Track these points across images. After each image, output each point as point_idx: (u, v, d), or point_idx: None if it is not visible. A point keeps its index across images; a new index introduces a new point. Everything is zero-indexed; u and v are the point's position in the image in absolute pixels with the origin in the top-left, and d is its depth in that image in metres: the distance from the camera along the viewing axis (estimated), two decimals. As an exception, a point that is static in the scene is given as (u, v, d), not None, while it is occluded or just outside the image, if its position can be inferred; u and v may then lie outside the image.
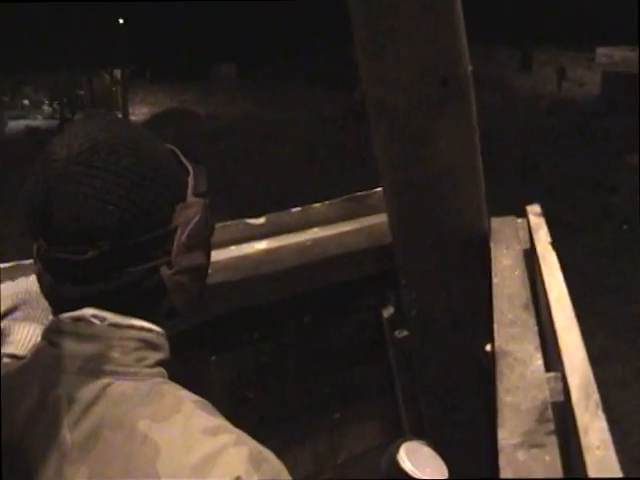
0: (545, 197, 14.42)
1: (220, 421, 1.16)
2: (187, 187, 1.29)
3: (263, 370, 2.37)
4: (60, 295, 1.21)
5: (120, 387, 1.16)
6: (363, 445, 2.59)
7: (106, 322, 1.18)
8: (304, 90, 28.98)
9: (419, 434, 2.55)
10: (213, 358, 2.23)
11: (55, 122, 28.02)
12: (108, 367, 1.17)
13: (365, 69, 2.09)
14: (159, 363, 1.22)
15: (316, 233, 2.31)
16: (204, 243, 1.33)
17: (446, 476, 1.47)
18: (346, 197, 2.43)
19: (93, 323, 1.18)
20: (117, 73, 32.32)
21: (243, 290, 2.16)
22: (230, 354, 2.28)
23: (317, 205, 2.38)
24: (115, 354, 1.18)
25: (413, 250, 2.27)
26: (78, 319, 1.19)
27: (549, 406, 1.37)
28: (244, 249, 2.18)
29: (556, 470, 1.19)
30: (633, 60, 33.28)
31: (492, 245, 2.14)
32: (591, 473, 1.16)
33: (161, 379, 1.21)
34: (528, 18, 40.10)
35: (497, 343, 1.62)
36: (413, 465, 1.41)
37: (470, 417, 2.34)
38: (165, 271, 1.23)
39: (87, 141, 1.19)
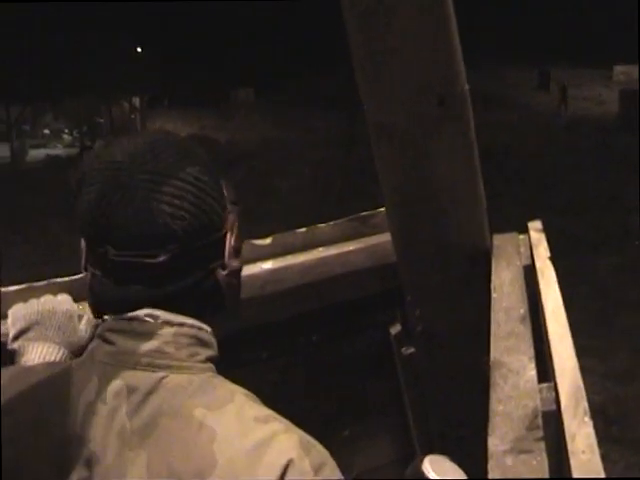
0: (564, 215, 14.47)
1: (269, 411, 1.24)
2: (225, 195, 1.37)
3: (271, 389, 2.40)
4: (124, 298, 1.27)
5: (175, 379, 1.23)
6: (373, 462, 2.61)
7: (159, 320, 1.26)
8: (321, 113, 29.06)
9: (428, 450, 2.59)
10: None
11: (75, 150, 28.22)
12: (164, 362, 1.24)
13: (364, 89, 2.13)
14: (209, 359, 1.30)
15: (321, 253, 2.34)
16: (241, 247, 1.42)
17: None
18: (351, 217, 2.47)
19: (147, 321, 1.26)
20: (136, 101, 32.61)
21: (250, 309, 2.20)
22: (238, 373, 2.32)
23: (322, 225, 2.42)
24: (170, 349, 1.25)
25: (416, 267, 2.31)
26: (132, 319, 1.26)
27: (540, 414, 1.41)
28: (250, 269, 2.22)
29: (543, 473, 1.22)
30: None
31: (493, 261, 2.18)
32: (575, 475, 1.20)
33: (212, 373, 1.28)
34: (545, 37, 40.11)
35: (492, 355, 1.66)
36: (438, 475, 1.45)
37: (475, 432, 2.36)
38: (220, 273, 1.32)
39: (148, 149, 1.27)
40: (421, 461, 1.48)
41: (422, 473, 1.45)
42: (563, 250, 12.51)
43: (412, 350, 2.51)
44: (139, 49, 38.28)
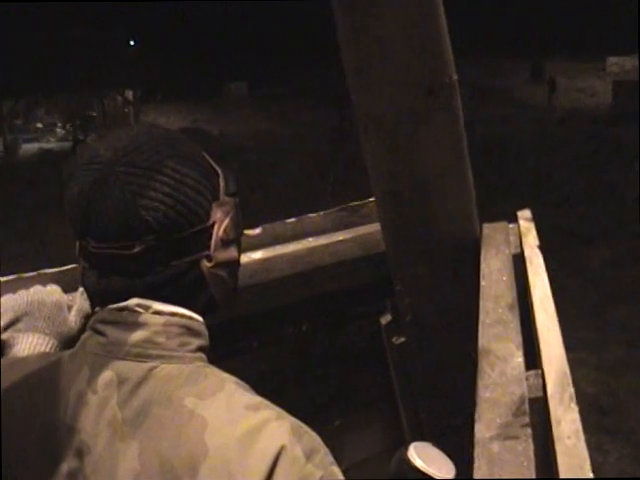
0: (559, 207, 14.47)
1: (260, 399, 1.24)
2: (219, 187, 1.37)
3: (261, 378, 2.41)
4: (107, 289, 1.28)
5: (166, 369, 1.23)
6: (364, 452, 2.62)
7: (150, 310, 1.27)
8: (315, 107, 29.04)
9: (420, 439, 2.59)
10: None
11: (68, 144, 28.18)
12: (154, 351, 1.25)
13: (352, 81, 2.14)
14: (200, 348, 1.31)
15: (311, 242, 2.35)
16: (237, 239, 1.42)
17: (454, 473, 1.51)
18: (340, 207, 2.47)
19: (138, 312, 1.26)
20: (129, 94, 32.56)
21: (239, 299, 2.20)
22: (228, 362, 2.32)
23: (312, 215, 2.43)
24: (161, 339, 1.26)
25: (406, 256, 2.31)
26: (122, 309, 1.27)
27: (526, 401, 1.41)
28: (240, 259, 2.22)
29: (528, 459, 1.23)
30: (640, 68, 33.29)
31: (482, 250, 2.19)
32: (560, 461, 1.21)
33: (202, 363, 1.29)
34: (538, 29, 40.13)
35: (480, 342, 1.67)
36: (424, 462, 1.45)
37: (466, 421, 2.37)
38: (205, 264, 1.32)
39: (130, 143, 1.28)
40: (407, 448, 1.49)
41: (408, 460, 1.45)
42: (557, 243, 12.57)
43: (402, 340, 2.52)
44: (132, 42, 38.18)
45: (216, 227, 1.33)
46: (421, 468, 1.45)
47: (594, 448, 7.32)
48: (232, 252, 1.39)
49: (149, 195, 1.22)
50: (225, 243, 1.35)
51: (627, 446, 7.23)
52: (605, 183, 16.92)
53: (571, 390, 1.42)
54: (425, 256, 2.26)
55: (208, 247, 1.32)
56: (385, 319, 2.57)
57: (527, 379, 1.52)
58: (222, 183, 1.38)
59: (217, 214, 1.33)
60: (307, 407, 2.49)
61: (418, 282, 2.32)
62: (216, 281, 1.35)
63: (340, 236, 2.40)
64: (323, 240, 2.36)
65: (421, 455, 1.45)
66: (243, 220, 1.44)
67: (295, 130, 24.83)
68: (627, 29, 36.20)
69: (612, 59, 36.31)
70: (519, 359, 1.57)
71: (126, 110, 32.31)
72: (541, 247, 2.14)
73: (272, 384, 2.47)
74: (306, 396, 2.53)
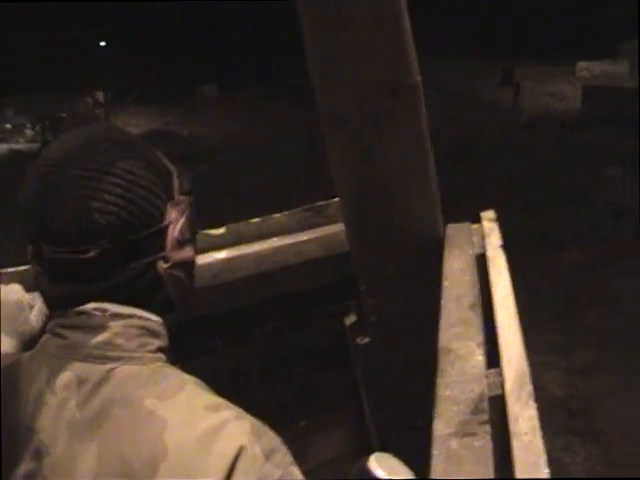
0: (529, 211, 14.53)
1: (220, 399, 1.23)
2: (174, 186, 1.36)
3: (226, 378, 2.41)
4: (63, 294, 1.26)
5: (126, 370, 1.22)
6: (330, 452, 2.62)
7: (108, 313, 1.25)
8: (288, 109, 29.04)
9: (384, 440, 2.60)
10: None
11: (37, 145, 27.97)
12: (114, 353, 1.23)
13: (316, 83, 2.14)
14: (160, 349, 1.29)
15: (275, 242, 2.35)
16: (192, 238, 1.40)
17: None
18: (305, 207, 2.48)
19: (95, 315, 1.25)
20: (99, 95, 32.41)
21: (204, 299, 2.20)
22: (193, 363, 2.32)
23: (276, 215, 2.43)
24: (120, 341, 1.24)
25: (369, 257, 2.32)
26: (80, 313, 1.25)
27: (486, 398, 1.42)
28: (204, 259, 2.22)
29: (485, 455, 1.24)
30: (613, 73, 33.57)
31: (446, 250, 2.20)
32: (517, 457, 1.21)
33: (162, 363, 1.27)
34: (508, 34, 40.36)
35: (441, 341, 1.68)
36: (385, 472, 1.45)
37: (429, 422, 2.38)
38: (161, 265, 1.31)
39: (82, 145, 1.26)
40: (367, 459, 1.49)
41: (369, 471, 1.46)
42: (528, 246, 12.64)
43: (367, 340, 2.53)
44: (102, 43, 38.04)
45: (171, 227, 1.32)
46: (382, 478, 1.45)
47: (563, 449, 7.37)
48: (188, 252, 1.38)
49: (102, 198, 1.21)
50: (181, 243, 1.34)
51: (596, 446, 7.29)
52: (575, 187, 17.01)
53: (529, 388, 1.43)
54: (389, 257, 2.27)
55: (164, 248, 1.31)
56: (349, 319, 2.58)
57: (487, 377, 1.53)
58: (176, 182, 1.37)
59: (172, 214, 1.32)
60: (272, 407, 2.50)
61: (382, 283, 2.33)
62: (173, 281, 1.33)
63: (304, 236, 2.40)
64: (287, 240, 2.37)
65: (382, 465, 1.46)
66: (198, 219, 1.44)
67: (268, 132, 24.80)
68: (597, 34, 36.56)
69: (582, 64, 36.52)
70: (479, 357, 1.58)
71: (96, 112, 32.12)
72: (504, 247, 2.16)
73: (237, 384, 2.47)
74: (271, 396, 2.53)
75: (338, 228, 2.41)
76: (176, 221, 1.33)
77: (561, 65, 36.07)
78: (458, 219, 2.53)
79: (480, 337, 1.67)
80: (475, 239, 2.34)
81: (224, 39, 41.02)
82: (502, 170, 18.70)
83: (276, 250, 2.33)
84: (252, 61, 36.96)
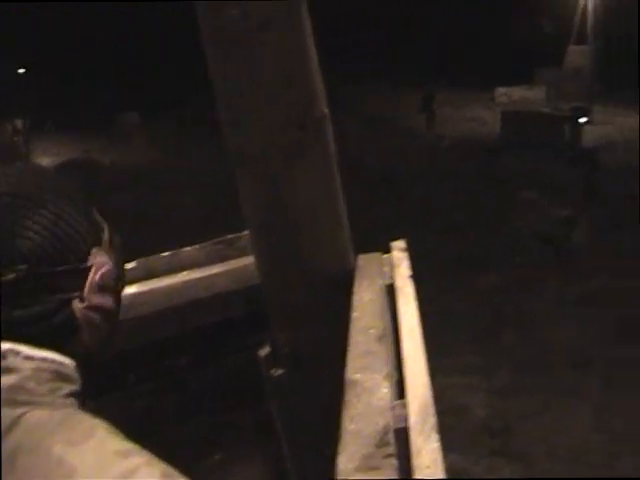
0: (449, 234, 14.70)
1: (132, 445, 1.19)
2: (103, 237, 1.37)
3: (140, 413, 2.38)
4: None
5: (35, 415, 1.18)
6: (246, 486, 2.61)
7: (21, 355, 1.22)
8: (210, 136, 28.95)
9: (300, 471, 2.60)
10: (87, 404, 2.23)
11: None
12: (24, 397, 1.20)
13: (224, 115, 2.15)
14: (72, 394, 1.26)
15: (186, 276, 2.34)
16: (115, 290, 1.40)
17: None
18: (216, 240, 2.47)
19: (7, 357, 1.21)
20: (18, 123, 31.93)
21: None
22: (104, 399, 2.29)
23: (187, 249, 2.42)
24: (30, 384, 1.21)
25: (280, 289, 2.32)
26: None
27: (390, 431, 1.43)
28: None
29: (389, 490, 1.24)
30: (531, 98, 34.27)
31: (355, 281, 2.21)
32: (418, 491, 1.22)
33: (73, 409, 1.24)
34: (429, 60, 40.92)
35: (347, 374, 1.68)
36: None
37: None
38: (77, 305, 1.29)
39: (14, 178, 1.27)
40: None
41: None
42: (447, 269, 12.78)
43: (280, 372, 2.52)
44: (21, 70, 37.56)
45: (93, 271, 1.31)
46: None
47: (486, 469, 7.46)
48: (108, 299, 1.36)
49: (28, 225, 1.21)
50: (101, 288, 1.33)
51: (517, 464, 7.39)
52: (494, 210, 17.28)
53: (433, 420, 1.44)
54: (299, 289, 2.27)
55: (82, 288, 1.30)
56: (263, 351, 2.57)
57: (393, 409, 1.54)
58: (107, 235, 1.37)
59: (96, 258, 1.32)
60: (187, 442, 2.48)
61: (293, 315, 2.33)
62: (88, 324, 1.32)
63: (215, 269, 2.40)
64: (198, 274, 2.36)
65: None
66: (124, 277, 1.45)
67: (190, 161, 24.69)
68: (515, 60, 37.30)
69: (501, 89, 37.23)
70: (385, 390, 1.58)
71: (15, 139, 31.65)
72: (413, 277, 2.18)
73: (151, 419, 2.44)
74: (186, 431, 2.51)
75: (249, 260, 2.41)
76: (99, 266, 1.33)
77: (480, 91, 36.72)
78: (378, 244, 2.56)
79: (387, 369, 1.68)
80: (386, 269, 2.36)
81: (145, 66, 40.83)
82: (421, 195, 18.92)
83: (187, 284, 2.32)
84: (174, 87, 36.78)
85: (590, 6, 36.44)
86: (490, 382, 9.07)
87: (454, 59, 41.49)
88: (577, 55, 36.81)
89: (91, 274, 1.31)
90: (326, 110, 2.17)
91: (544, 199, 17.52)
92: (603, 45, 36.61)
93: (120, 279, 1.41)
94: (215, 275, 2.36)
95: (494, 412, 8.43)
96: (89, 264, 1.31)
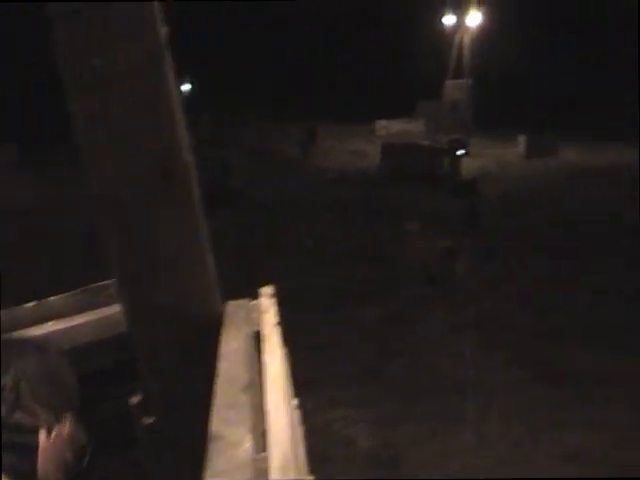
0: (333, 268, 14.77)
1: None
2: None
3: (8, 471, 2.32)
4: None
5: None
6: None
7: None
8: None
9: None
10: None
11: None
12: None
13: (87, 162, 2.12)
14: None
15: (51, 326, 2.29)
16: None
17: None
18: (83, 288, 2.43)
19: None
20: None
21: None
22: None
23: (52, 298, 2.38)
24: None
25: (147, 338, 2.29)
26: None
27: (252, 486, 1.42)
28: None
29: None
30: (410, 131, 34.98)
31: (223, 329, 2.20)
32: None
33: None
34: (314, 94, 41.38)
35: (211, 427, 1.67)
36: None
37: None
38: None
39: None
40: None
41: None
42: (332, 302, 12.85)
43: (151, 420, 2.49)
44: None
45: None
46: None
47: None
48: None
49: None
50: None
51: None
52: (375, 242, 17.49)
53: (292, 474, 1.44)
54: (166, 337, 2.25)
55: None
56: (134, 399, 2.54)
57: (256, 463, 1.53)
58: None
59: None
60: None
61: (161, 363, 2.30)
62: None
63: (81, 319, 2.35)
64: (63, 324, 2.32)
65: None
66: None
67: (73, 195, 24.23)
68: (395, 94, 38.03)
69: (381, 122, 37.92)
70: (248, 444, 1.58)
71: None
72: (280, 324, 2.18)
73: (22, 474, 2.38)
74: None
75: (117, 309, 2.38)
76: None
77: (362, 124, 37.31)
78: (257, 282, 2.56)
79: (251, 422, 1.67)
80: (254, 316, 2.36)
81: (26, 98, 40.10)
82: (303, 228, 19.01)
83: (51, 335, 2.27)
84: (57, 121, 36.11)
85: (466, 42, 37.41)
86: (378, 412, 9.14)
87: (337, 93, 42.03)
88: (454, 89, 37.77)
89: None
90: (189, 158, 2.17)
91: (425, 230, 17.85)
92: (478, 80, 37.61)
93: None
94: (82, 325, 2.32)
95: (382, 442, 8.49)
96: None
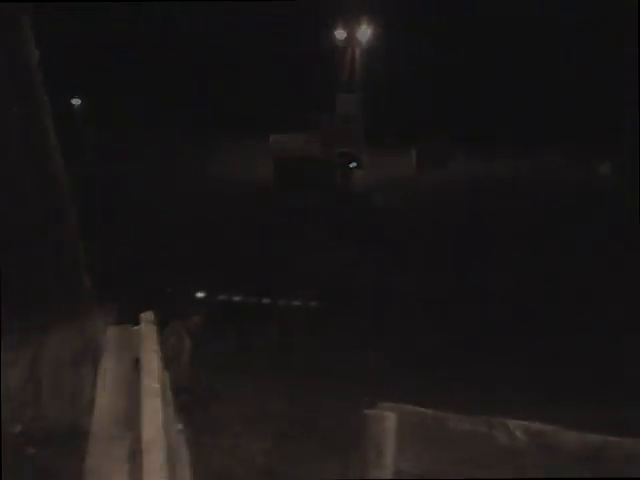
0: (234, 284, 14.53)
1: None
2: None
3: None
4: None
5: None
6: None
7: None
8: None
9: None
10: None
11: None
12: None
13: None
14: None
15: None
16: None
17: None
18: None
19: None
20: None
21: None
22: None
23: None
24: None
25: (27, 365, 2.27)
26: None
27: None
28: None
29: None
30: (303, 145, 34.94)
31: (104, 355, 2.18)
32: None
33: None
34: (210, 109, 41.11)
35: (87, 461, 1.66)
36: None
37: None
38: None
39: None
40: None
41: None
42: (232, 318, 12.60)
43: (34, 451, 2.46)
44: None
45: None
46: None
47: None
48: None
49: None
50: None
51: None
52: (276, 254, 17.31)
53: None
54: (28, 365, 2.22)
55: None
56: (15, 428, 2.50)
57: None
58: None
59: None
60: None
61: (26, 394, 2.27)
62: None
63: None
64: None
65: None
66: None
67: None
68: (289, 108, 38.04)
69: (275, 136, 37.74)
70: (119, 477, 1.57)
71: None
72: (158, 351, 2.18)
73: None
74: None
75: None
76: None
77: (257, 139, 37.17)
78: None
79: (126, 455, 1.66)
80: (134, 341, 2.34)
81: None
82: (198, 244, 18.71)
83: None
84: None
85: (357, 55, 37.55)
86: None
87: (233, 108, 41.86)
88: (346, 103, 37.79)
89: None
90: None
91: (323, 242, 17.78)
92: (369, 93, 37.78)
93: None
94: None
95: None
96: None
